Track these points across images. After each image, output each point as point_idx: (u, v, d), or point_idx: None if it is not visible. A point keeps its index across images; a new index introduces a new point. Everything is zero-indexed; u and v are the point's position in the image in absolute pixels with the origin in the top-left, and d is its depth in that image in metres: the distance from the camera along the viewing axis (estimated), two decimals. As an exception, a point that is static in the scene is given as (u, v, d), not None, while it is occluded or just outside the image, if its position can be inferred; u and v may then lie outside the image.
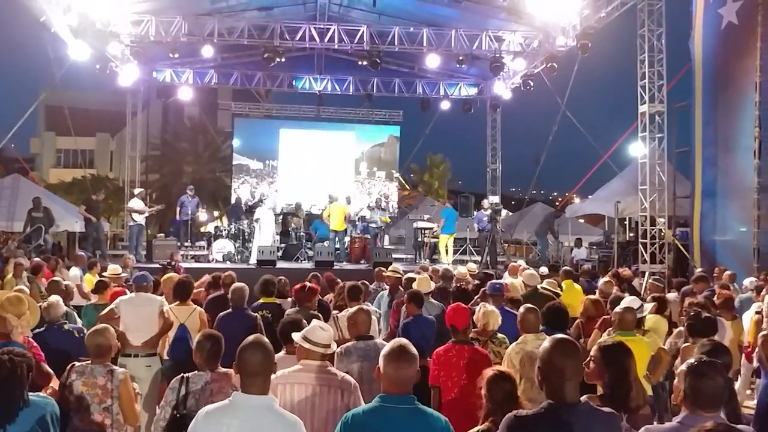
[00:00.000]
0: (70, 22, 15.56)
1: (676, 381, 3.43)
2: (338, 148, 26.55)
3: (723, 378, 3.29)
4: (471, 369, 5.19)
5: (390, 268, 10.03)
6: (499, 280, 8.45)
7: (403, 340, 3.68)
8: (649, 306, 6.99)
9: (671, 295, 10.41)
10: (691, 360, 3.40)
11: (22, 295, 5.72)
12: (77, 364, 4.88)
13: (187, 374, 4.52)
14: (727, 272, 11.25)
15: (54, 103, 32.14)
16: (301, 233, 20.27)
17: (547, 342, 3.27)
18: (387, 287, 9.52)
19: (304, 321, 5.14)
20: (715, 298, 8.49)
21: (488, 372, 4.08)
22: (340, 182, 25.00)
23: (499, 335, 6.17)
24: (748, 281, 10.41)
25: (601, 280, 10.22)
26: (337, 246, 18.58)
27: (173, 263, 14.23)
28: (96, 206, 17.93)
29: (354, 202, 21.90)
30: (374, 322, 6.68)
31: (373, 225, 19.93)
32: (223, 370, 4.58)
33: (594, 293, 9.59)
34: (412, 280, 8.78)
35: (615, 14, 16.49)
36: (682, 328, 6.74)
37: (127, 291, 8.52)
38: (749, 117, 13.82)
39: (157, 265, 14.46)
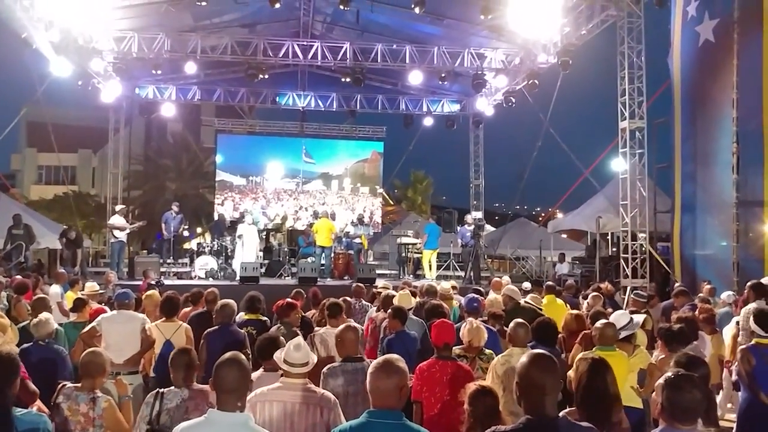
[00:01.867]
0: (51, 39, 15.50)
1: (654, 394, 3.46)
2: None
3: (699, 391, 3.31)
4: (454, 385, 5.19)
5: (381, 284, 10.10)
6: (476, 296, 8.47)
7: (392, 356, 3.68)
8: (640, 320, 7.01)
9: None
10: (669, 373, 3.43)
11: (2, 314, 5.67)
12: (67, 385, 4.83)
13: (162, 390, 4.52)
14: (707, 286, 11.34)
15: (35, 119, 31.94)
16: (285, 249, 20.22)
17: (525, 357, 3.26)
18: (365, 303, 9.58)
19: (282, 338, 5.13)
20: (696, 312, 8.56)
21: (471, 386, 4.08)
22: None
23: (487, 351, 6.17)
24: (725, 295, 10.51)
25: (590, 296, 10.27)
26: (323, 262, 18.55)
27: (161, 281, 14.14)
28: (74, 240, 17.68)
29: (337, 218, 21.91)
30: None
31: (357, 241, 19.94)
32: (200, 386, 4.58)
33: (577, 308, 9.66)
34: (389, 297, 8.78)
35: (595, 32, 16.70)
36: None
37: (107, 308, 8.48)
38: (727, 132, 13.99)
39: (138, 282, 14.37)
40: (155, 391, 4.54)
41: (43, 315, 6.63)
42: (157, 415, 4.38)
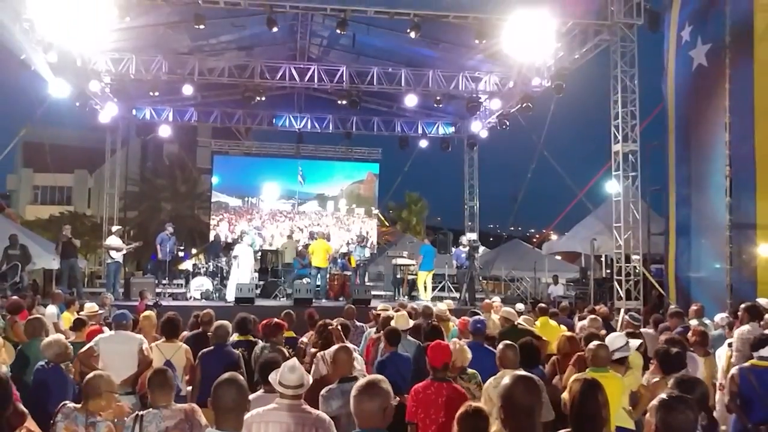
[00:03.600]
0: (50, 60, 15.61)
1: (647, 416, 3.49)
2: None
3: (693, 413, 3.34)
4: (449, 407, 5.17)
5: (380, 306, 10.24)
6: (481, 318, 8.49)
7: (375, 376, 3.71)
8: (635, 344, 7.02)
9: (647, 330, 10.47)
10: (663, 395, 3.46)
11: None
12: (67, 405, 4.80)
13: (141, 412, 4.53)
14: (693, 308, 11.23)
15: (32, 140, 31.90)
16: (279, 269, 20.22)
17: (507, 379, 3.28)
18: (359, 324, 9.67)
19: (281, 360, 5.17)
20: (689, 334, 8.58)
21: (460, 408, 4.11)
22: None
23: (469, 371, 6.17)
24: (719, 317, 10.49)
25: (588, 318, 10.27)
26: (319, 283, 18.54)
27: (159, 303, 14.14)
28: (69, 243, 17.56)
29: (333, 239, 21.93)
30: (360, 361, 6.74)
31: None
32: (179, 406, 4.59)
33: (572, 330, 9.67)
34: (388, 318, 8.81)
35: (589, 55, 16.89)
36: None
37: (104, 329, 8.49)
38: (720, 156, 14.09)
39: (135, 303, 14.38)
40: (134, 414, 4.54)
41: (54, 336, 6.68)
42: None
